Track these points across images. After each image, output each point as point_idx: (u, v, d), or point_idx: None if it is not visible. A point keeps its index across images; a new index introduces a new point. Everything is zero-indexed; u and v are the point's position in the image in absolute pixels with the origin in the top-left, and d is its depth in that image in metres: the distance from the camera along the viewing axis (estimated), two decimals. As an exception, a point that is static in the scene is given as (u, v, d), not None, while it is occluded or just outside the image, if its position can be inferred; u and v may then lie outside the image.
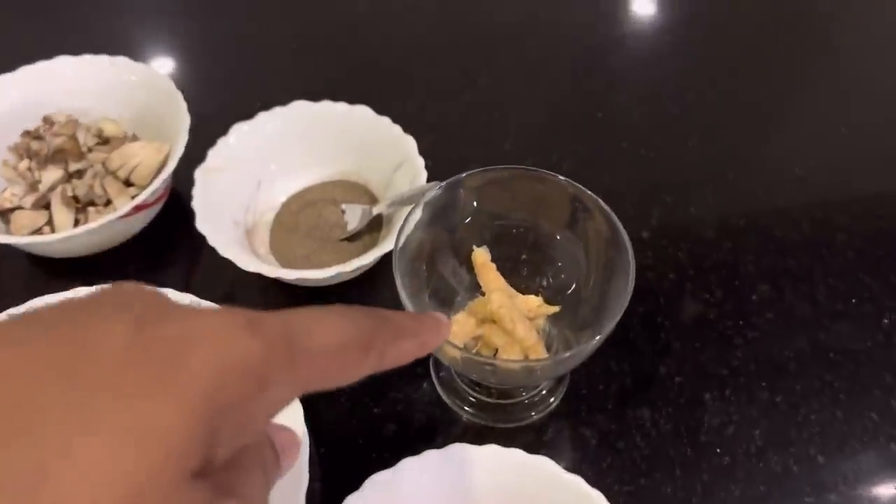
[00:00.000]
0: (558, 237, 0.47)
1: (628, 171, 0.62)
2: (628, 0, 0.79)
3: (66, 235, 0.49)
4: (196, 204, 0.51)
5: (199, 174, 0.53)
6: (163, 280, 0.55)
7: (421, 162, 0.54)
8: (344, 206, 0.57)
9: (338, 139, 0.58)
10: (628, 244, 0.41)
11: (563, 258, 0.48)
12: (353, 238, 0.56)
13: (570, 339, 0.47)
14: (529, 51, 0.73)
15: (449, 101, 0.68)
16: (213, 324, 0.18)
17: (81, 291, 0.17)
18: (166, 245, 0.57)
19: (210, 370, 0.17)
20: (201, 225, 0.50)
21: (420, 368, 0.51)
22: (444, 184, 0.45)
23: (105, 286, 0.19)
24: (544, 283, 0.49)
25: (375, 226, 0.57)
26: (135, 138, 0.57)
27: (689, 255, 0.56)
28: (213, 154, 0.54)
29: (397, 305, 0.41)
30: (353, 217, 0.56)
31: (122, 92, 0.59)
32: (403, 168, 0.56)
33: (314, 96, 0.58)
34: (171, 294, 0.45)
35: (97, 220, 0.50)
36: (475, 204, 0.47)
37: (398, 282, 0.41)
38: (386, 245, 0.50)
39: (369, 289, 0.54)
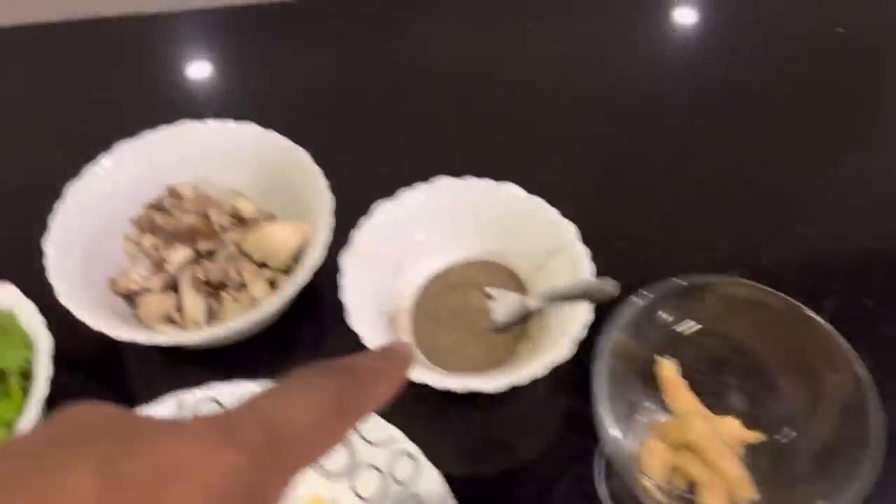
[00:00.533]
0: (779, 378, 0.42)
1: (790, 254, 0.58)
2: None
3: (212, 335, 0.45)
4: (347, 297, 0.47)
5: (347, 261, 0.49)
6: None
7: (583, 251, 0.50)
8: (491, 292, 0.53)
9: (482, 218, 0.54)
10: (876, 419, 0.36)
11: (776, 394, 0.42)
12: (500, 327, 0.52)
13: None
14: (666, 116, 0.68)
15: (585, 171, 0.64)
16: (188, 445, 0.17)
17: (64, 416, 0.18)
18: (297, 330, 0.53)
19: (199, 502, 0.16)
20: (356, 323, 0.46)
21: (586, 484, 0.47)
22: (648, 294, 0.41)
23: (59, 415, 0.18)
24: (737, 405, 0.44)
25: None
26: (271, 217, 0.53)
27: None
28: (358, 236, 0.50)
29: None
30: (503, 306, 0.52)
31: (251, 161, 0.55)
32: (560, 256, 0.51)
33: (453, 172, 0.54)
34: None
35: (245, 317, 0.46)
36: (679, 316, 0.43)
37: (605, 419, 0.37)
38: (554, 349, 0.45)
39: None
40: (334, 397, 0.20)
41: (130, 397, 0.50)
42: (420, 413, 0.49)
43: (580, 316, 0.47)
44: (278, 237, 0.51)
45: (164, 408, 0.46)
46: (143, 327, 0.50)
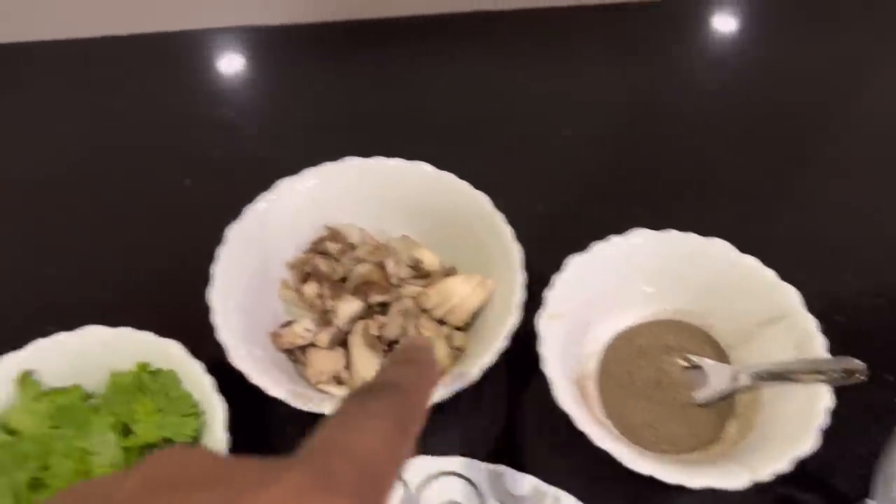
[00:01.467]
0: None
1: None
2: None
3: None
4: (550, 368, 0.42)
5: (543, 324, 0.44)
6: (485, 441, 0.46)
7: (811, 322, 0.44)
8: (698, 361, 0.47)
9: (679, 274, 0.48)
10: None
11: None
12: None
13: None
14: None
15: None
16: (293, 496, 0.17)
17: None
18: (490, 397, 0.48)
19: None
20: (563, 399, 0.41)
21: None
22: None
23: (152, 460, 0.19)
24: None
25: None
26: (452, 271, 0.47)
27: None
28: (552, 296, 0.45)
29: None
30: (711, 379, 0.46)
31: (422, 203, 0.50)
32: (779, 325, 0.45)
33: (652, 224, 0.48)
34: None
35: (443, 387, 0.40)
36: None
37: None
38: (793, 439, 0.40)
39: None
40: (395, 420, 0.21)
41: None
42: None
43: (819, 400, 0.41)
44: (461, 293, 0.45)
45: None
46: (313, 388, 0.45)
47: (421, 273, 0.46)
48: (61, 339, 0.43)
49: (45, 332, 0.43)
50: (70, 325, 0.44)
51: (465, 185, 0.49)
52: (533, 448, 0.47)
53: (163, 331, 0.44)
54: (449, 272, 0.47)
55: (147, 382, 0.42)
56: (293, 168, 0.50)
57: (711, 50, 0.70)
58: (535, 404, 0.48)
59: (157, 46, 0.69)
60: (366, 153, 0.50)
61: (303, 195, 0.50)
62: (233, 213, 0.49)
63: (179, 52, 0.68)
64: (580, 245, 0.48)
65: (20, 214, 0.57)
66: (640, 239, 0.48)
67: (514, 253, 0.45)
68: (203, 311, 0.44)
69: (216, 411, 0.41)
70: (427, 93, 0.66)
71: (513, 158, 0.61)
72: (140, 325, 0.44)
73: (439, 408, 0.41)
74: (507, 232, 0.46)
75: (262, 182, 0.49)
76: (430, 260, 0.47)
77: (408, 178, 0.50)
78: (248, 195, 0.56)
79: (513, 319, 0.43)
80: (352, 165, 0.50)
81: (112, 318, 0.44)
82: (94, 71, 0.67)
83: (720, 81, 0.67)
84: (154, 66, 0.68)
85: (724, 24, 0.71)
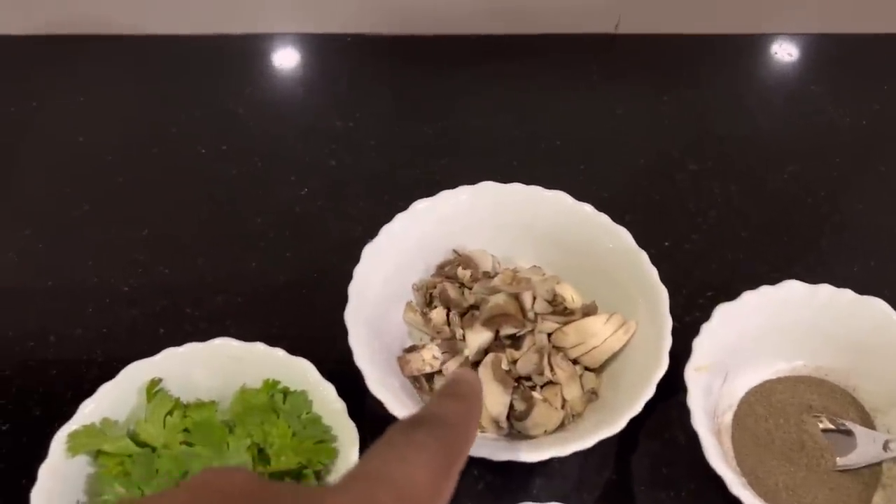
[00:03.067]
0: None
1: None
2: None
3: (558, 453, 0.38)
4: (700, 426, 0.40)
5: (691, 377, 0.41)
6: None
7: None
8: (848, 424, 0.44)
9: (825, 329, 0.46)
10: None
11: None
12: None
13: None
14: None
15: None
16: None
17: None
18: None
19: None
20: (715, 462, 0.39)
21: None
22: None
23: (195, 481, 0.19)
24: None
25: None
26: (592, 309, 0.45)
27: None
28: (699, 347, 0.43)
29: None
30: (860, 445, 0.43)
31: (554, 233, 0.48)
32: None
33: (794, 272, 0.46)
34: None
35: (592, 434, 0.38)
36: None
37: None
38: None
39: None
40: (440, 452, 0.21)
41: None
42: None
43: None
44: (602, 334, 0.43)
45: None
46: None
47: (558, 310, 0.44)
48: (192, 349, 0.42)
49: (158, 337, 0.42)
50: (180, 340, 0.42)
51: (604, 219, 0.47)
52: (647, 499, 0.45)
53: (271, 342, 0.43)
54: (588, 310, 0.45)
55: (278, 402, 0.40)
56: (405, 184, 0.48)
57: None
58: (648, 453, 0.46)
59: (276, 48, 0.68)
60: (475, 176, 0.49)
61: (436, 216, 0.48)
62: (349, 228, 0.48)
63: (300, 55, 0.68)
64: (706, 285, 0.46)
65: (147, 226, 0.56)
66: (791, 291, 0.45)
67: (662, 295, 0.43)
68: (321, 323, 0.44)
69: (348, 437, 0.39)
70: (545, 118, 0.64)
71: (639, 191, 0.59)
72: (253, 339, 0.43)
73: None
74: (653, 272, 0.44)
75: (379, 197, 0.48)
76: (573, 297, 0.45)
77: (544, 207, 0.48)
78: (365, 210, 0.56)
79: (662, 369, 0.41)
80: (488, 190, 0.48)
81: (231, 333, 0.43)
82: (211, 70, 0.66)
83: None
84: (273, 67, 0.67)
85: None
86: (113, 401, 0.41)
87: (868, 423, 0.45)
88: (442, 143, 0.61)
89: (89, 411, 0.40)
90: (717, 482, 0.40)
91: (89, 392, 0.40)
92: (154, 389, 0.41)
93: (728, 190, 0.59)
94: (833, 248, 0.56)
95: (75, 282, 0.53)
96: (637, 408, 0.40)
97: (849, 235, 0.57)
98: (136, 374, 0.41)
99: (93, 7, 0.66)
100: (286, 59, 0.68)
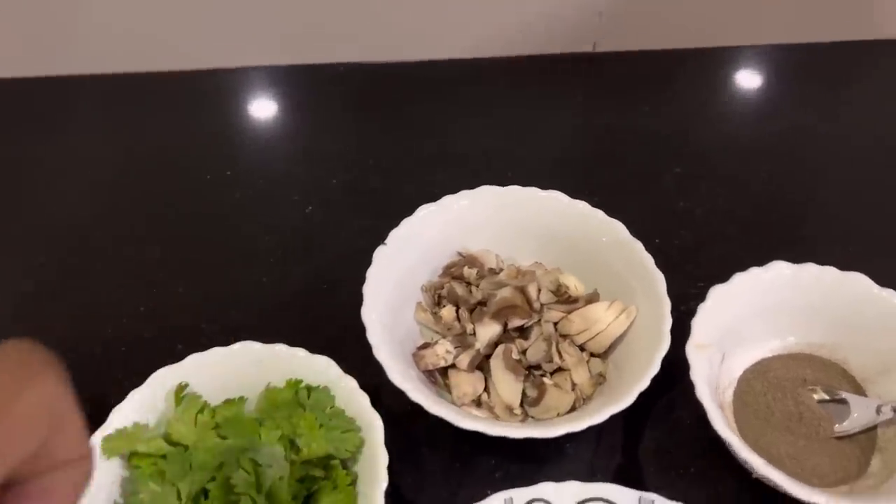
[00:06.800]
0: None
1: None
2: None
3: (570, 429, 0.40)
4: (704, 397, 0.42)
5: (692, 352, 0.44)
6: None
7: (959, 358, 0.44)
8: (842, 393, 0.47)
9: (816, 307, 0.49)
10: None
11: None
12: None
13: None
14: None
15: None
16: None
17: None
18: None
19: None
20: (720, 427, 0.41)
21: None
22: None
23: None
24: None
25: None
26: (595, 297, 0.48)
27: None
28: (698, 325, 0.45)
29: None
30: (854, 412, 0.46)
31: (553, 231, 0.51)
32: (924, 359, 0.45)
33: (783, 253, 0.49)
34: None
35: (599, 411, 0.41)
36: None
37: None
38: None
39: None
40: None
41: (453, 487, 0.45)
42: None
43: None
44: (605, 319, 0.46)
45: None
46: (459, 409, 0.45)
47: (563, 298, 0.47)
48: (215, 354, 0.44)
49: (177, 353, 0.43)
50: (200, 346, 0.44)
51: (599, 214, 0.50)
52: (656, 479, 0.47)
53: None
54: (591, 298, 0.48)
55: (303, 398, 0.42)
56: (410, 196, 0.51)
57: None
58: (654, 437, 0.48)
59: (274, 79, 0.71)
60: (472, 188, 0.52)
61: (440, 221, 0.51)
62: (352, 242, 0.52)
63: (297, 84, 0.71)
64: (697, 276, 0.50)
65: (160, 248, 0.58)
66: (779, 272, 0.48)
67: (659, 280, 0.46)
68: (331, 332, 0.47)
69: (372, 427, 0.41)
70: (534, 133, 0.67)
71: (628, 195, 0.62)
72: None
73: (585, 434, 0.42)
74: (649, 259, 0.47)
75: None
76: (576, 286, 0.48)
77: (542, 206, 0.51)
78: (367, 224, 0.58)
79: (665, 346, 0.43)
80: (488, 193, 0.51)
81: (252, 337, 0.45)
82: (218, 101, 0.69)
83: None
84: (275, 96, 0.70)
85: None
86: (143, 406, 0.42)
87: (861, 392, 0.48)
88: (437, 161, 0.64)
89: (121, 417, 0.41)
90: (723, 459, 0.43)
91: (114, 405, 0.41)
92: (182, 394, 0.42)
93: (714, 191, 0.63)
94: (813, 235, 0.59)
95: (93, 305, 0.54)
96: (644, 382, 0.42)
97: (827, 223, 0.60)
98: (163, 380, 0.43)
99: (105, 46, 0.70)
100: (284, 88, 0.71)
